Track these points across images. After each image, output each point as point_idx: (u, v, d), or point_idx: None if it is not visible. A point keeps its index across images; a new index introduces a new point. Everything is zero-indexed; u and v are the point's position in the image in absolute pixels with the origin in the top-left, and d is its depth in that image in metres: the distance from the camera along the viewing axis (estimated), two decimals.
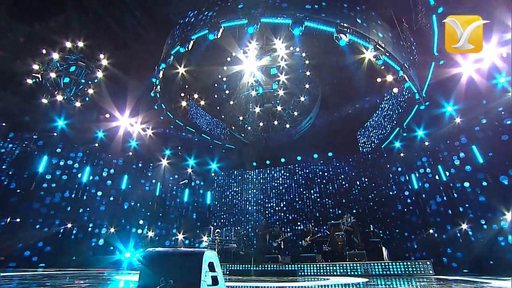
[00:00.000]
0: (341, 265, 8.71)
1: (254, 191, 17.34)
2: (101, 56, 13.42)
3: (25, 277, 6.06)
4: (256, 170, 17.84)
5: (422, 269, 7.97)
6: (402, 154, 14.53)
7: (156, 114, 14.05)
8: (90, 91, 13.12)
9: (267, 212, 16.56)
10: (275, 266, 9.55)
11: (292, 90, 14.86)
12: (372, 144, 15.58)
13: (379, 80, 13.00)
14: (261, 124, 16.16)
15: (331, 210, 15.15)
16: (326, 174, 16.26)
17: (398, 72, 9.98)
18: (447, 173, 12.32)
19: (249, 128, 16.32)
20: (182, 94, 14.83)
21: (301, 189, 16.46)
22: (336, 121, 15.66)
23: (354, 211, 14.11)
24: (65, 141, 12.84)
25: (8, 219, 10.51)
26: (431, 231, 12.41)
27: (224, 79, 14.96)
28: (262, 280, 7.01)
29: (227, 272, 9.60)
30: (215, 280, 2.99)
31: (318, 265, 9.02)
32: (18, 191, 11.30)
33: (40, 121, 12.46)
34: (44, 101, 12.50)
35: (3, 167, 11.57)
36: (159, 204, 15.28)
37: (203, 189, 17.87)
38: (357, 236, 10.13)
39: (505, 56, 10.00)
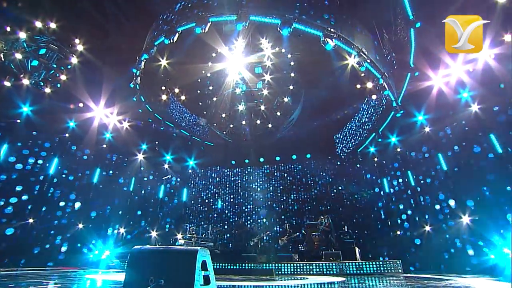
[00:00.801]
0: (317, 264, 8.93)
1: (232, 189, 17.25)
2: (77, 41, 12.50)
3: None
4: (235, 169, 17.77)
5: (392, 268, 8.41)
6: (376, 159, 15.28)
7: (134, 106, 13.39)
8: (63, 77, 12.18)
9: (244, 211, 16.55)
10: (252, 265, 9.57)
11: (276, 90, 14.96)
12: (349, 148, 16.18)
13: (358, 86, 13.53)
14: (243, 122, 16.08)
15: (308, 210, 15.50)
16: (303, 175, 16.62)
17: (378, 80, 10.42)
18: (415, 178, 13.23)
19: (231, 125, 16.17)
20: (163, 88, 14.29)
21: (279, 189, 16.67)
22: (316, 124, 16.01)
23: (331, 212, 14.55)
24: (30, 129, 11.81)
25: None
26: (398, 232, 13.22)
27: (209, 74, 14.66)
28: (242, 280, 6.98)
29: None
30: (206, 280, 2.91)
31: (295, 265, 9.18)
32: None
33: (1, 106, 11.35)
34: (7, 84, 11.39)
35: None
36: (133, 200, 14.63)
37: (180, 186, 17.42)
38: (333, 237, 10.46)
39: (471, 71, 10.87)
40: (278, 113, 15.92)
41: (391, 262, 8.55)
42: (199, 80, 15.03)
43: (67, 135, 12.65)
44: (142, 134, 15.23)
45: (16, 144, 11.52)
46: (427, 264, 11.14)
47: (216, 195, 17.29)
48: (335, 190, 15.70)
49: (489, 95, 10.62)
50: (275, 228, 15.32)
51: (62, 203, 12.09)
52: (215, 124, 16.36)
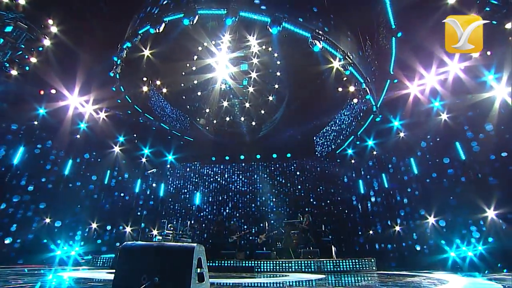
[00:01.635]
0: (296, 262, 9.10)
1: (211, 186, 17.03)
2: (50, 21, 11.56)
3: None
4: (215, 165, 17.54)
5: (367, 265, 8.79)
6: (353, 161, 15.86)
7: (111, 96, 12.71)
8: (33, 59, 11.23)
9: (223, 208, 16.42)
10: (231, 262, 9.54)
11: (261, 88, 14.96)
12: (328, 149, 16.62)
13: (340, 89, 13.96)
14: (227, 118, 15.90)
15: (287, 209, 15.71)
16: (283, 174, 16.83)
17: (361, 84, 10.78)
18: (389, 180, 13.96)
19: (215, 121, 15.92)
20: (144, 79, 13.69)
21: (258, 187, 16.73)
22: (298, 124, 16.25)
23: (308, 209, 14.88)
24: None
25: None
26: (371, 232, 13.87)
27: (194, 68, 14.28)
28: (222, 276, 6.92)
29: None
30: (201, 277, 2.84)
31: (274, 262, 9.27)
32: None
33: None
34: None
35: None
36: (107, 194, 13.92)
37: (157, 181, 16.86)
38: (312, 235, 10.70)
39: (443, 80, 11.62)
40: (262, 111, 15.95)
41: (366, 260, 8.93)
42: (183, 73, 14.60)
43: (35, 122, 11.71)
44: (119, 126, 14.49)
45: None
46: (401, 261, 11.80)
47: (195, 191, 16.97)
48: (313, 189, 16.08)
49: (458, 104, 11.44)
50: (253, 225, 15.37)
51: (27, 196, 11.18)
52: (198, 119, 16.02)
